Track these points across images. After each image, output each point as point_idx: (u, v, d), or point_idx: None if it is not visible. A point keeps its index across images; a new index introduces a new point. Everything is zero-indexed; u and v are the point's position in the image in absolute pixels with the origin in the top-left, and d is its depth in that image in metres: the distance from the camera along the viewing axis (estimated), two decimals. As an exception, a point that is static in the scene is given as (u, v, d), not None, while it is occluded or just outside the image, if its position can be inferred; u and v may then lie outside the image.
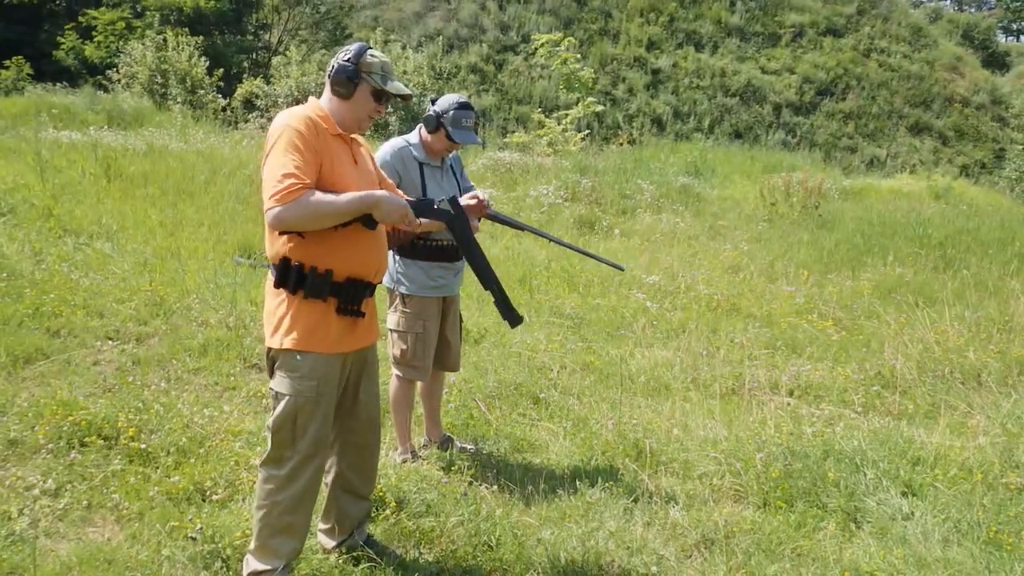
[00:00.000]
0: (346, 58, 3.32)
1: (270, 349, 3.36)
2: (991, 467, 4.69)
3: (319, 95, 3.48)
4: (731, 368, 6.62)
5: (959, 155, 31.64)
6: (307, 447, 3.32)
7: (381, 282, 3.62)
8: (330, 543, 3.75)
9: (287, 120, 3.21)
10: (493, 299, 3.75)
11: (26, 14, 27.04)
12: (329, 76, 3.38)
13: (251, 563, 3.42)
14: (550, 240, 4.57)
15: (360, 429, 3.63)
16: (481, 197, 3.89)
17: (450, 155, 4.76)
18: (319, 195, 3.11)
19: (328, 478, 3.67)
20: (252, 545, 3.43)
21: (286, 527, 3.36)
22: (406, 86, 3.68)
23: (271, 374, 3.38)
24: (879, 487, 4.46)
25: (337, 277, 3.29)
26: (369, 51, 3.35)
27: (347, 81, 3.30)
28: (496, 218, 4.30)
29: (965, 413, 5.71)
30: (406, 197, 3.55)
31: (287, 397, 3.29)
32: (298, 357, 3.27)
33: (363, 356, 3.57)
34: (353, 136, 3.49)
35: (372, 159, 3.70)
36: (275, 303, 3.32)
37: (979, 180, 27.36)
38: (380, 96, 3.38)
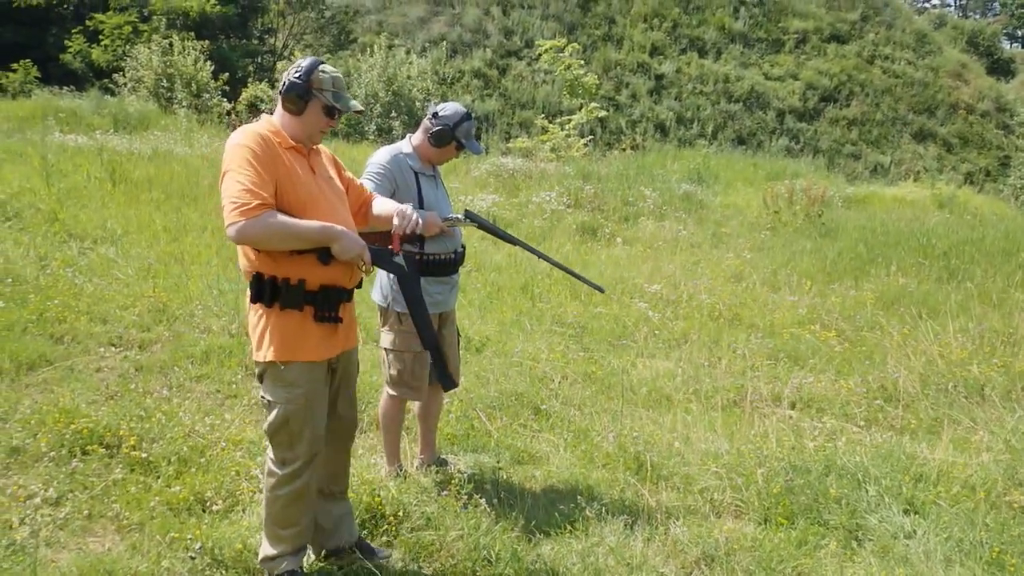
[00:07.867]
0: (297, 75, 3.33)
1: (257, 362, 3.43)
2: (994, 485, 4.63)
3: None
4: (733, 379, 6.60)
5: (963, 162, 31.60)
6: (305, 449, 3.44)
7: (359, 287, 3.60)
8: (322, 545, 3.80)
9: (238, 139, 3.24)
10: (431, 359, 3.75)
11: (34, 17, 26.99)
12: (280, 92, 3.39)
13: (265, 547, 3.59)
14: (531, 251, 4.55)
15: (340, 431, 3.71)
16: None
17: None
18: (282, 217, 3.16)
19: None
20: (263, 531, 3.61)
21: (287, 517, 3.51)
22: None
23: (260, 381, 3.46)
24: (881, 504, 4.42)
25: (310, 287, 3.34)
26: (320, 67, 3.36)
27: (298, 99, 3.33)
28: (481, 225, 4.32)
29: (968, 428, 5.66)
30: (368, 242, 3.43)
31: (278, 405, 3.38)
32: (282, 367, 3.35)
33: (348, 358, 3.65)
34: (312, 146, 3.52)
35: (337, 164, 3.71)
36: (255, 317, 3.39)
37: (983, 188, 27.23)
38: (332, 112, 3.41)
